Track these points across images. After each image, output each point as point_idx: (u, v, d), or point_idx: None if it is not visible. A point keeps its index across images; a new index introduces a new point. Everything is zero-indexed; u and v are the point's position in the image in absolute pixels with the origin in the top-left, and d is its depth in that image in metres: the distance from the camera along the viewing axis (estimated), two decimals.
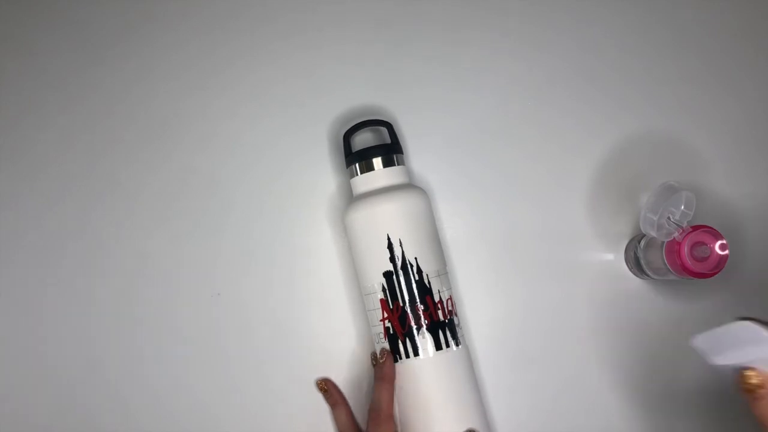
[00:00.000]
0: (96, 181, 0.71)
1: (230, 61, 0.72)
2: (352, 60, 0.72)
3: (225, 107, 0.72)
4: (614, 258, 0.70)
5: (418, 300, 0.62)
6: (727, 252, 0.61)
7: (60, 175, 0.71)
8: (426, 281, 0.63)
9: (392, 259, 0.62)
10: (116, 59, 0.72)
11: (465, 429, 0.61)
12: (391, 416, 0.62)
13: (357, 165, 0.66)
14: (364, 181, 0.66)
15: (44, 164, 0.71)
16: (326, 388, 0.67)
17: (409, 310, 0.62)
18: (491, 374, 0.68)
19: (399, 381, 0.63)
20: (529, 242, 0.70)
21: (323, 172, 0.71)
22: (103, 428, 0.68)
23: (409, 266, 0.62)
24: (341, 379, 0.68)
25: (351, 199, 0.67)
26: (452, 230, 0.70)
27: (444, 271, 0.64)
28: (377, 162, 0.65)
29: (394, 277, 0.62)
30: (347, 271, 0.69)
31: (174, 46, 0.72)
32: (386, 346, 0.63)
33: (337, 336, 0.69)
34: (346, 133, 0.68)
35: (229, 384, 0.68)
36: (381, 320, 0.63)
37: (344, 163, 0.68)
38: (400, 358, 0.63)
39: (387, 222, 0.63)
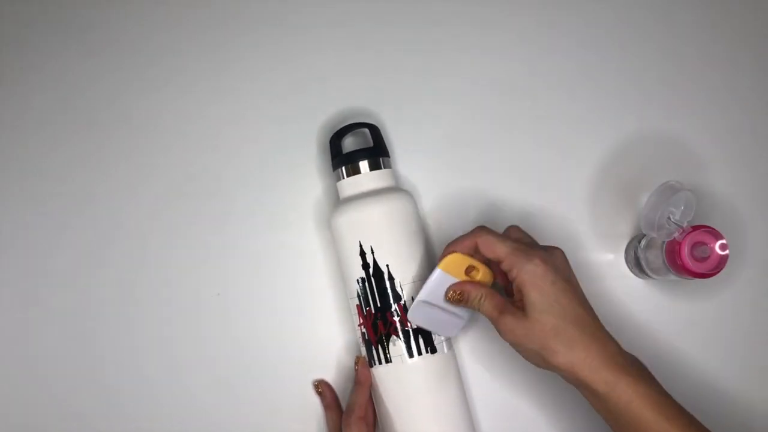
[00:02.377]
0: (95, 181, 0.71)
1: (220, 66, 0.73)
2: (341, 63, 0.72)
3: (214, 111, 0.72)
4: (614, 258, 0.70)
5: (390, 307, 0.62)
6: (727, 252, 0.61)
7: (59, 175, 0.72)
8: (399, 288, 0.62)
9: (365, 266, 0.62)
10: (114, 60, 0.73)
11: None
12: (361, 419, 0.62)
13: (343, 168, 0.65)
14: (350, 185, 0.65)
15: (43, 164, 0.72)
16: (321, 390, 0.67)
17: (380, 317, 0.62)
18: (484, 377, 0.68)
19: (375, 385, 0.63)
20: None
21: (311, 176, 0.70)
22: (101, 428, 0.69)
23: (381, 273, 0.62)
24: (334, 381, 0.68)
25: (338, 202, 0.66)
26: (442, 232, 0.70)
27: (424, 276, 0.62)
28: (363, 165, 0.64)
29: (366, 283, 0.62)
30: (337, 274, 0.68)
31: (168, 51, 0.73)
32: (363, 351, 0.64)
33: (333, 338, 0.69)
34: (332, 136, 0.67)
35: (227, 383, 0.69)
36: (358, 325, 0.64)
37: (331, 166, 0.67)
38: (374, 364, 0.63)
39: (361, 229, 0.62)
